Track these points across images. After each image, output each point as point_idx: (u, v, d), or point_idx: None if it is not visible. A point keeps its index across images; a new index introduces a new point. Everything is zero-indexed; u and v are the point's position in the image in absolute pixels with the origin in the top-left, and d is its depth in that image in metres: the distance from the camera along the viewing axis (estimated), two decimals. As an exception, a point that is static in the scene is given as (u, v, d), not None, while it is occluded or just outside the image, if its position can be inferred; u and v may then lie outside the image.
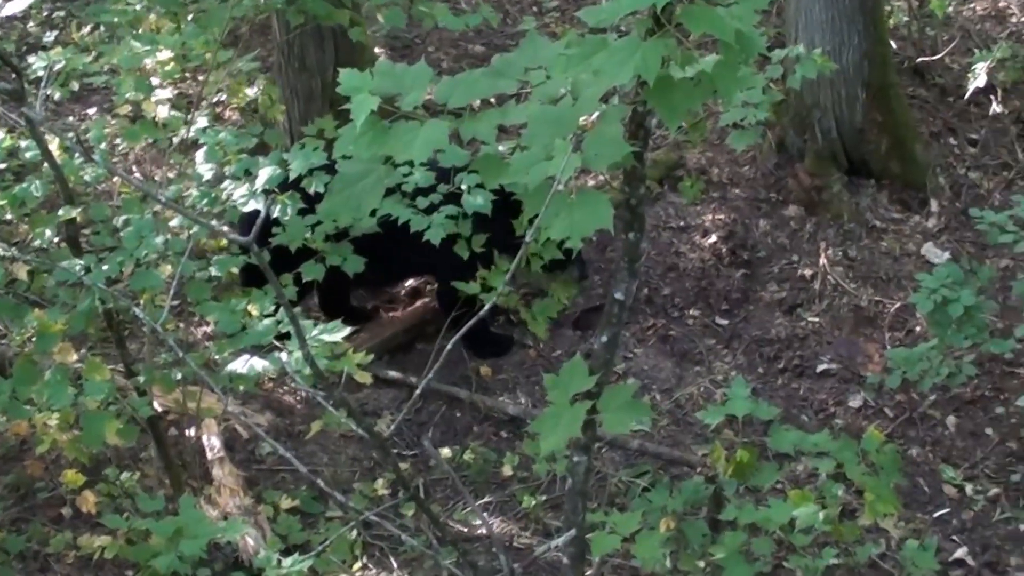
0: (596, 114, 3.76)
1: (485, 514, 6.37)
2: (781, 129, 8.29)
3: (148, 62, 6.75)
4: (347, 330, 5.34)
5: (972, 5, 9.68)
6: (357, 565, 6.08)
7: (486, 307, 3.89)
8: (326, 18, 7.03)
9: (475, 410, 7.05)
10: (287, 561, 5.00)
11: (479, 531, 6.15)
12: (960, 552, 6.41)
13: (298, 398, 7.06)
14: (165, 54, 6.74)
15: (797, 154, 8.27)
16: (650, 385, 7.22)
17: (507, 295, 6.65)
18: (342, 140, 3.63)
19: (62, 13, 10.03)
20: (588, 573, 5.69)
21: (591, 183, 7.70)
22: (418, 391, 4.18)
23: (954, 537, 6.51)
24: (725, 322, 7.66)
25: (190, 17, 6.83)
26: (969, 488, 6.74)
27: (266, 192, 5.76)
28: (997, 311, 7.30)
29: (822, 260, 7.90)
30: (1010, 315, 7.40)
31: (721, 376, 7.23)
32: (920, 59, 9.14)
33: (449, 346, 3.93)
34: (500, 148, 4.10)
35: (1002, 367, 7.28)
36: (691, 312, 7.71)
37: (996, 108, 8.95)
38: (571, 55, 3.49)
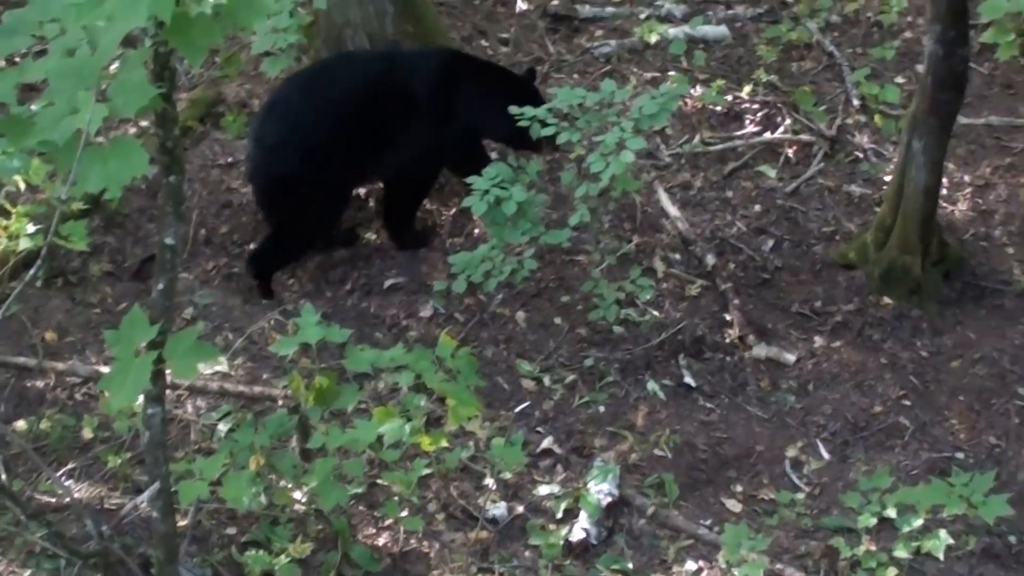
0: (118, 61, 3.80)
1: (71, 481, 6.31)
2: (315, 51, 8.35)
3: None
4: None
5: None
6: (-56, 555, 5.94)
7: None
8: None
9: (46, 377, 6.93)
10: None
11: (67, 499, 6.09)
12: (546, 442, 6.72)
13: None
14: None
15: (334, 74, 8.38)
16: (222, 325, 7.22)
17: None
18: None
19: None
20: (184, 523, 5.74)
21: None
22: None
23: (539, 428, 6.83)
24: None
25: None
26: (547, 379, 7.08)
27: None
28: (549, 203, 7.67)
29: (375, 177, 8.08)
30: (562, 205, 7.75)
31: (291, 306, 7.26)
32: (441, -34, 9.42)
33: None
34: (33, 107, 4.08)
35: (562, 257, 7.64)
36: (252, 246, 7.75)
37: (522, 5, 9.32)
38: (81, 4, 3.50)
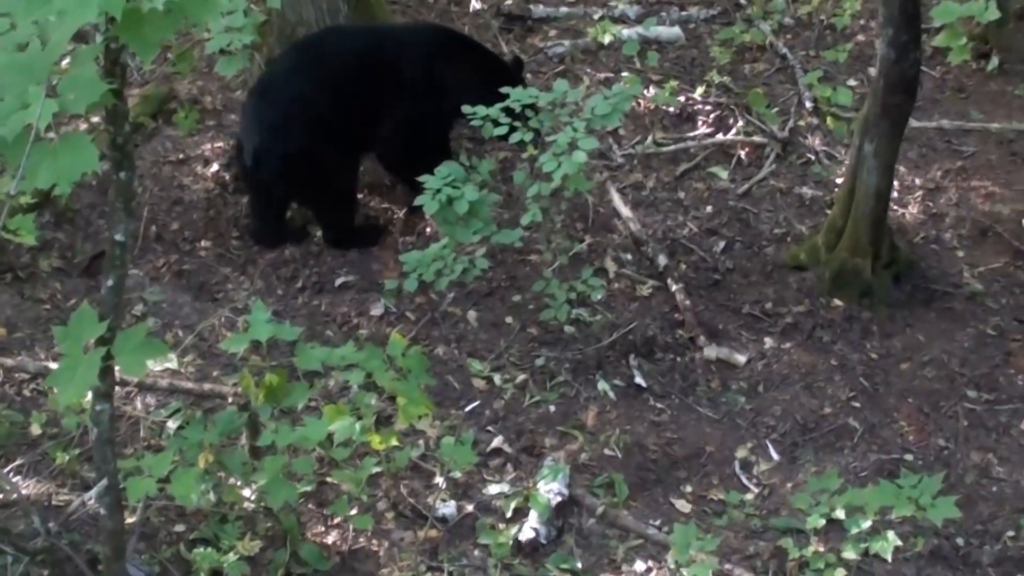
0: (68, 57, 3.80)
1: (18, 477, 6.29)
2: (269, 49, 8.33)
3: None
4: None
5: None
6: None
7: None
8: None
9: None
10: None
11: (14, 495, 6.07)
12: (497, 441, 6.74)
13: None
14: None
15: (288, 72, 8.38)
16: (172, 322, 7.23)
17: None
18: None
19: None
20: (132, 520, 5.74)
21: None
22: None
23: (489, 428, 6.84)
24: (239, 249, 7.79)
25: None
26: (497, 378, 7.10)
27: None
28: (501, 202, 7.68)
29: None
30: (514, 205, 7.77)
31: (242, 303, 7.30)
32: (398, -38, 9.43)
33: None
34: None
35: (513, 256, 7.68)
36: (203, 243, 7.78)
37: (476, 4, 9.35)
38: (31, -1, 3.53)
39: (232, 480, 5.93)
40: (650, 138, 8.57)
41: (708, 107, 8.79)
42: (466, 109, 7.06)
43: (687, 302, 7.48)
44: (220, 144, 8.15)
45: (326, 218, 7.80)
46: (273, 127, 7.46)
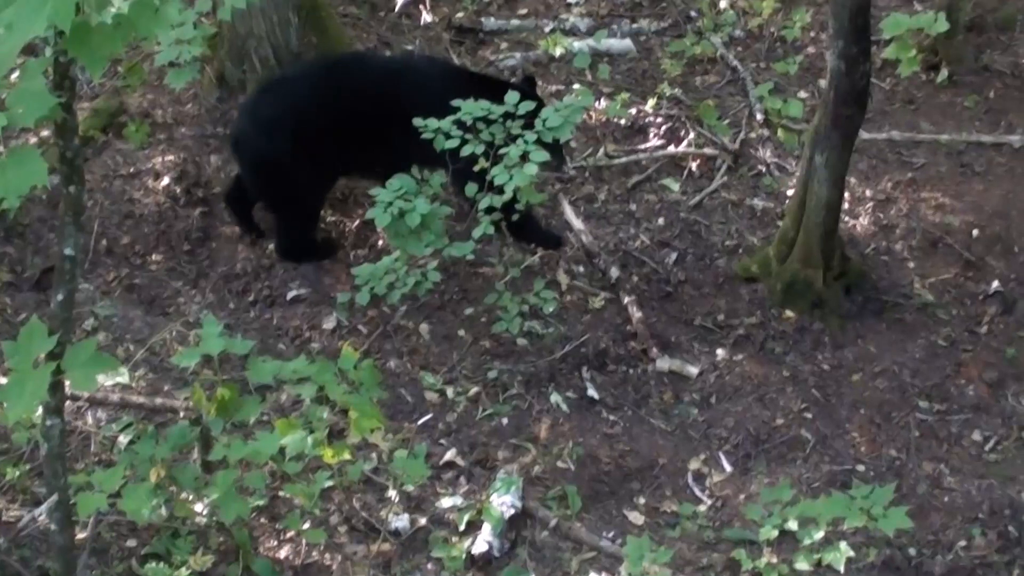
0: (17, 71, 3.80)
1: (-32, 496, 6.28)
2: (219, 62, 8.37)
3: None
4: None
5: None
6: None
7: None
8: None
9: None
10: None
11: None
12: (449, 454, 6.77)
13: None
14: None
15: (238, 86, 8.34)
16: (123, 336, 7.19)
17: None
18: None
19: None
20: (83, 535, 5.72)
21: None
22: None
23: (442, 441, 6.87)
24: (190, 263, 7.77)
25: None
26: (450, 391, 7.12)
27: None
28: (453, 215, 7.71)
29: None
30: (466, 216, 7.70)
31: (193, 317, 7.28)
32: (345, -23, 9.43)
33: None
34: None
35: (466, 269, 7.68)
36: (154, 257, 7.76)
37: (427, 17, 9.37)
38: (-20, 13, 3.52)
39: (184, 495, 5.92)
40: (602, 150, 8.61)
41: (659, 119, 8.83)
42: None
43: (639, 314, 7.52)
44: (171, 157, 8.13)
45: (284, 227, 7.79)
46: (264, 124, 7.50)
